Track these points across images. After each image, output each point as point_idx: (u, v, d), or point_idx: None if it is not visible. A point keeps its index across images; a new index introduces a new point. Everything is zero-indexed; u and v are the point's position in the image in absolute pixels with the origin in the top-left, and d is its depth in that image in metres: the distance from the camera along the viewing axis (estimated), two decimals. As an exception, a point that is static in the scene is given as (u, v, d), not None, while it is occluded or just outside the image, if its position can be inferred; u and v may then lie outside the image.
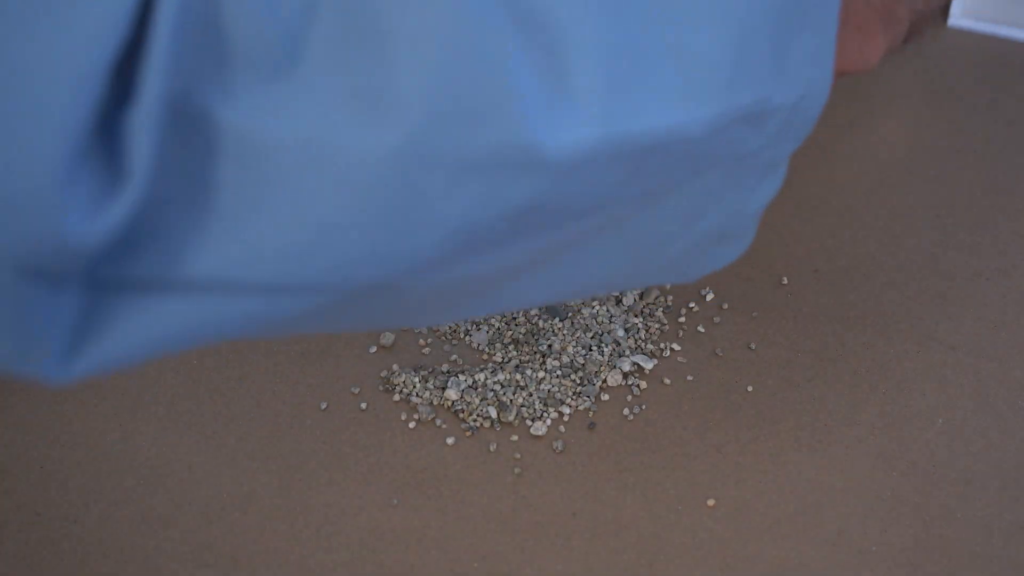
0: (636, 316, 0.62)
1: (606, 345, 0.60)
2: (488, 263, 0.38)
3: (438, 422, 0.58)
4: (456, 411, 0.58)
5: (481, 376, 0.59)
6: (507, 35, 0.34)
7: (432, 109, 0.33)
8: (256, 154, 0.32)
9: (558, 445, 0.57)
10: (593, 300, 0.62)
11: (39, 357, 0.32)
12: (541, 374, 0.59)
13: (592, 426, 0.58)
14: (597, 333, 0.60)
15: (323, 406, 0.59)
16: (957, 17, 0.79)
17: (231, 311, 0.35)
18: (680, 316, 0.62)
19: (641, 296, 0.63)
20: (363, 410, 0.59)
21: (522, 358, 0.60)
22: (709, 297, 0.63)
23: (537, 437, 0.57)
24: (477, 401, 0.58)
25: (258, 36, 0.32)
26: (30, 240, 0.30)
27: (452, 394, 0.58)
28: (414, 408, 0.58)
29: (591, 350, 0.60)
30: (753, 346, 0.61)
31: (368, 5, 0.32)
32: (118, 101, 0.30)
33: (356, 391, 0.59)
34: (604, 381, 0.59)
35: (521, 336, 0.61)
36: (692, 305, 0.63)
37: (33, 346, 0.32)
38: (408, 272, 0.36)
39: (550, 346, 0.60)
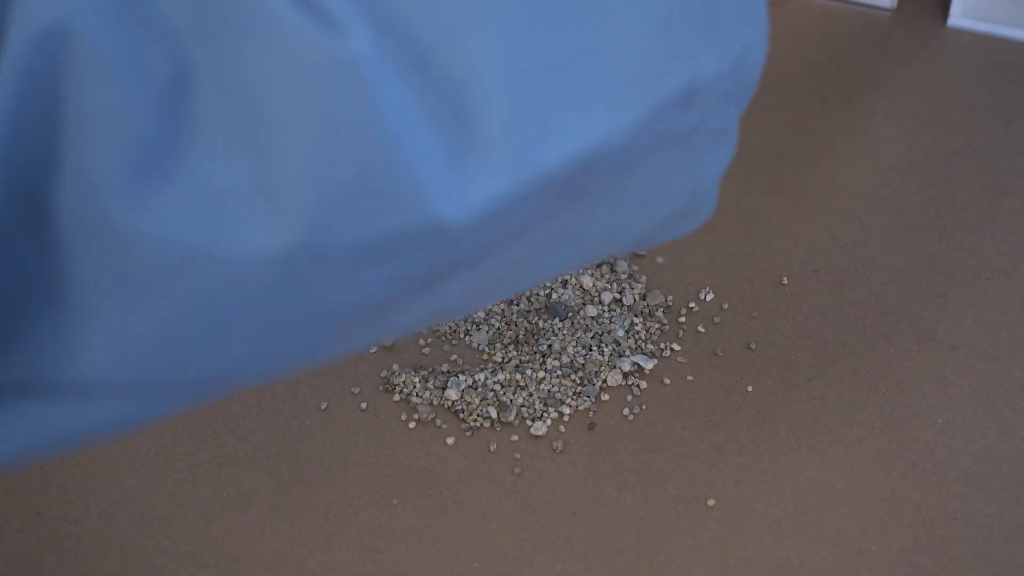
0: (636, 316, 0.62)
1: (606, 345, 0.60)
2: (393, 322, 0.35)
3: (438, 422, 0.58)
4: (456, 411, 0.58)
5: (481, 376, 0.59)
6: (398, 94, 0.31)
7: (323, 202, 0.30)
8: (129, 254, 0.29)
9: (558, 445, 0.57)
10: (593, 300, 0.62)
11: None
12: (541, 374, 0.59)
13: (592, 426, 0.58)
14: (597, 333, 0.60)
15: (323, 406, 0.59)
16: (957, 17, 0.79)
17: (105, 413, 0.32)
18: (680, 316, 0.62)
19: (642, 297, 0.63)
20: (363, 410, 0.59)
21: (522, 358, 0.60)
22: (709, 297, 0.63)
23: (537, 437, 0.57)
24: (477, 401, 0.58)
25: (126, 127, 0.29)
26: None
27: (452, 394, 0.58)
28: (414, 408, 0.58)
29: (591, 350, 0.60)
30: (753, 346, 0.61)
31: (244, 83, 0.30)
32: None
33: (356, 391, 0.59)
34: (604, 381, 0.59)
35: (521, 336, 0.61)
36: (692, 305, 0.63)
37: None
38: (297, 359, 0.34)
39: (550, 346, 0.60)
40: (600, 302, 0.62)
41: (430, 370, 0.60)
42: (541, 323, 0.61)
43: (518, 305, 0.61)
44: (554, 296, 0.61)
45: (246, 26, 0.30)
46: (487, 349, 0.61)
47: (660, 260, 0.65)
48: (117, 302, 0.30)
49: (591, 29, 0.34)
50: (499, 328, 0.61)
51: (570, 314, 0.61)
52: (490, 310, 0.62)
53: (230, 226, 0.30)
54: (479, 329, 0.61)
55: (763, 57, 0.39)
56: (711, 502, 0.55)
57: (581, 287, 0.62)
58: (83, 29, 0.28)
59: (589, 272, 0.62)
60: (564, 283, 0.62)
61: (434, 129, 0.32)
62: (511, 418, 0.58)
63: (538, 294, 0.61)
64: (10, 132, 0.28)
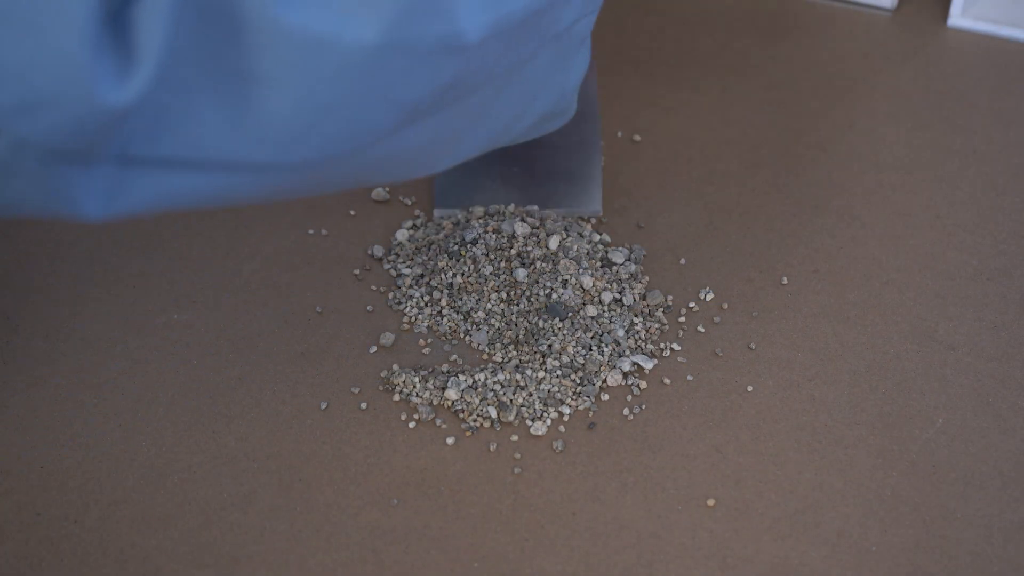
0: (636, 316, 0.62)
1: (606, 345, 0.60)
2: (419, 133, 0.46)
3: (438, 422, 0.58)
4: (456, 411, 0.58)
5: (481, 376, 0.59)
6: None
7: (400, 6, 0.41)
8: (274, 43, 0.39)
9: (558, 445, 0.57)
10: (593, 300, 0.62)
11: (73, 211, 0.41)
12: (541, 374, 0.59)
13: (592, 426, 0.58)
14: (597, 333, 0.60)
15: (323, 406, 0.59)
16: (957, 17, 0.79)
17: (224, 184, 0.42)
18: (680, 316, 0.62)
19: (642, 297, 0.63)
20: (363, 410, 0.59)
21: (522, 358, 0.60)
22: (709, 297, 0.63)
23: (537, 437, 0.57)
24: (477, 401, 0.58)
25: None
26: (65, 122, 0.36)
27: (452, 394, 0.58)
28: (414, 408, 0.58)
29: (591, 350, 0.60)
30: (753, 346, 0.61)
31: None
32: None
33: (356, 391, 0.59)
34: (604, 381, 0.59)
35: (521, 336, 0.61)
36: (692, 305, 0.63)
37: (70, 206, 0.40)
38: (367, 144, 0.44)
39: (550, 346, 0.60)
40: (600, 302, 0.62)
41: (430, 370, 0.60)
42: (541, 323, 0.61)
43: (518, 305, 0.61)
44: (554, 296, 0.61)
45: None
46: (487, 349, 0.61)
47: (661, 260, 0.65)
48: (261, 86, 0.39)
49: None
50: (499, 328, 0.61)
51: (570, 314, 0.61)
52: (490, 310, 0.62)
53: (345, 21, 0.40)
54: (479, 329, 0.61)
55: None
56: (711, 502, 0.55)
57: (581, 287, 0.62)
58: None
59: (589, 272, 0.62)
60: (564, 283, 0.62)
61: None
62: (511, 418, 0.58)
63: (538, 294, 0.61)
64: None
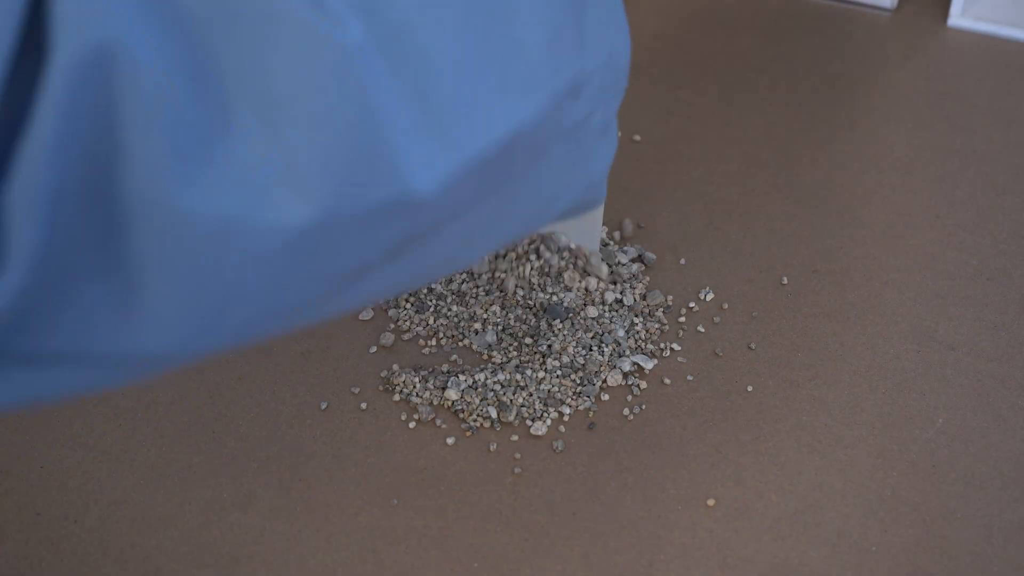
0: (636, 316, 0.62)
1: (606, 345, 0.60)
2: (368, 287, 0.41)
3: (438, 422, 0.58)
4: (456, 411, 0.58)
5: (481, 376, 0.59)
6: (382, 78, 0.36)
7: (333, 179, 0.35)
8: (167, 228, 0.33)
9: (558, 445, 0.57)
10: (594, 301, 0.62)
11: None
12: (541, 374, 0.59)
13: (592, 426, 0.58)
14: (597, 333, 0.60)
15: (323, 406, 0.59)
16: (957, 17, 0.79)
17: (116, 376, 0.37)
18: (680, 316, 0.63)
19: (643, 297, 0.63)
20: (363, 410, 0.59)
21: (522, 358, 0.60)
22: (709, 297, 0.63)
23: (537, 437, 0.57)
24: (477, 401, 0.58)
25: (171, 118, 0.33)
26: None
27: (452, 394, 0.58)
28: (414, 408, 0.58)
29: (591, 350, 0.60)
30: (753, 346, 0.61)
31: (262, 71, 0.34)
32: None
33: (356, 391, 0.59)
34: (604, 381, 0.59)
35: (521, 336, 0.61)
36: (692, 305, 0.63)
37: None
38: (294, 316, 0.39)
39: (550, 346, 0.60)
40: (601, 302, 0.62)
41: (430, 370, 0.60)
42: (541, 323, 0.61)
43: (514, 311, 0.61)
44: (555, 298, 0.61)
45: (262, 19, 0.34)
46: (487, 349, 0.61)
47: (661, 260, 0.65)
48: (161, 275, 0.34)
49: (503, 30, 0.40)
50: (498, 336, 0.61)
51: (570, 315, 0.61)
52: (490, 310, 0.62)
53: (261, 202, 0.34)
54: (478, 334, 0.61)
55: (628, 55, 0.48)
56: (711, 502, 0.55)
57: (585, 289, 0.62)
58: (124, 40, 0.32)
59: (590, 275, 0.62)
60: (566, 287, 0.62)
61: (406, 108, 0.37)
62: (511, 418, 0.58)
63: (538, 295, 0.61)
64: (73, 134, 0.31)
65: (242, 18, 0.34)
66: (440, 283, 0.63)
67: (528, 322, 0.61)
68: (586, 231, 0.62)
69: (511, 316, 0.61)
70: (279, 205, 0.34)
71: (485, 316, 0.62)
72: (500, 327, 0.61)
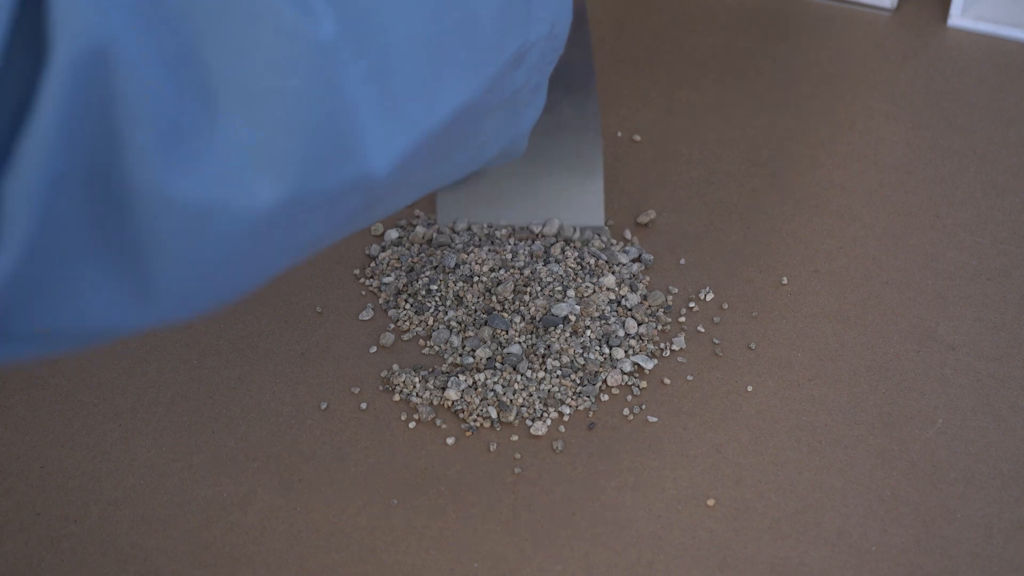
0: (636, 316, 0.62)
1: (606, 345, 0.60)
2: (324, 243, 0.44)
3: (438, 422, 0.58)
4: (456, 411, 0.58)
5: (481, 376, 0.59)
6: (349, 65, 0.39)
7: (303, 162, 0.38)
8: (160, 212, 0.36)
9: (558, 445, 0.57)
10: (597, 301, 0.62)
11: None
12: (541, 374, 0.59)
13: (592, 426, 0.58)
14: (597, 333, 0.60)
15: (323, 406, 0.59)
16: (957, 17, 0.79)
17: (102, 340, 0.41)
18: (680, 316, 0.62)
19: (643, 297, 0.63)
20: (363, 410, 0.59)
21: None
22: (709, 297, 0.63)
23: (537, 437, 0.57)
24: (477, 401, 0.58)
25: (161, 109, 0.35)
26: None
27: (452, 394, 0.58)
28: (414, 408, 0.58)
29: (591, 350, 0.60)
30: (753, 346, 0.61)
31: (244, 62, 0.36)
32: None
33: (356, 391, 0.59)
34: (604, 381, 0.59)
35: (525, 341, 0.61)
36: (692, 305, 0.63)
37: None
38: (267, 279, 0.42)
39: (550, 346, 0.60)
40: (602, 302, 0.62)
41: (430, 370, 0.60)
42: (538, 328, 0.60)
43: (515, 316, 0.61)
44: (554, 310, 0.61)
45: (245, 18, 0.36)
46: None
47: (661, 260, 0.65)
48: (159, 255, 0.37)
49: (455, 9, 0.42)
50: (494, 349, 0.61)
51: (568, 324, 0.61)
52: (478, 334, 0.62)
53: (240, 185, 0.37)
54: (484, 344, 0.61)
55: (569, 20, 0.51)
56: (711, 502, 0.55)
57: (599, 287, 0.62)
58: (119, 39, 0.34)
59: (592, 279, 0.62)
60: (563, 292, 0.62)
61: (368, 92, 0.39)
62: (511, 418, 0.58)
63: (536, 303, 0.61)
64: (72, 128, 0.34)
65: (227, 17, 0.36)
66: (440, 285, 0.63)
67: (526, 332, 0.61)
68: (588, 209, 0.64)
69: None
70: (253, 188, 0.37)
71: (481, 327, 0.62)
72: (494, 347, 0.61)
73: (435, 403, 0.58)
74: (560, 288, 0.61)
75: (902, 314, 0.62)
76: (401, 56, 0.40)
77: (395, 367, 0.60)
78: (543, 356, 0.60)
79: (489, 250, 0.64)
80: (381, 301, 0.63)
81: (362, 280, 0.64)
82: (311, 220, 0.40)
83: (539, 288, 0.62)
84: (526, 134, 0.54)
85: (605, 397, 0.59)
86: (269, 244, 0.39)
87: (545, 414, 0.58)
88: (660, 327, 0.62)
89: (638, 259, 0.65)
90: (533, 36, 0.47)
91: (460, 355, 0.60)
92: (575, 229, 0.65)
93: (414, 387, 0.59)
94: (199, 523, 0.54)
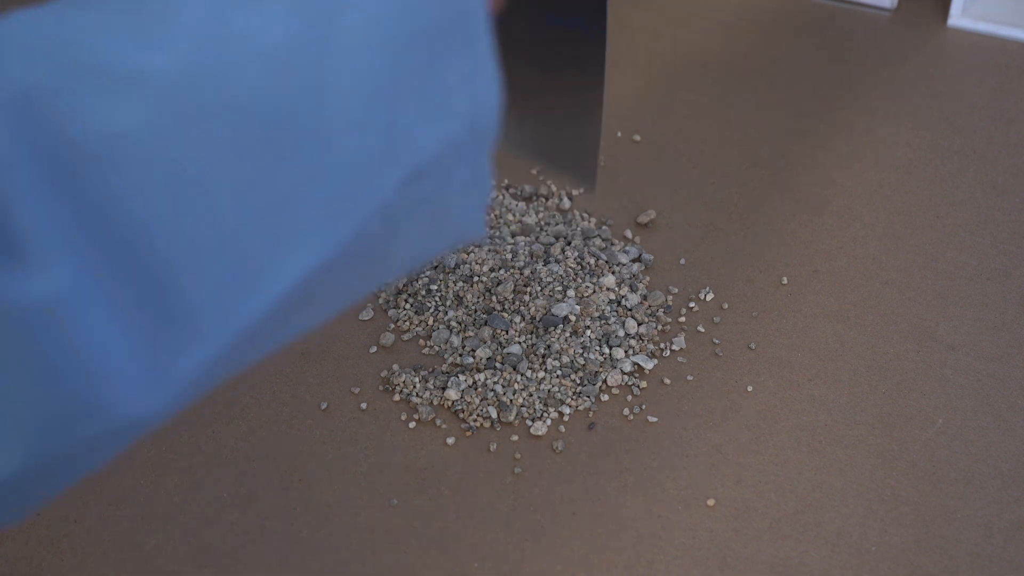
0: (636, 316, 0.62)
1: (606, 345, 0.60)
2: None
3: (438, 422, 0.58)
4: (456, 411, 0.58)
5: (481, 376, 0.59)
6: (97, 309, 0.34)
7: (37, 428, 0.34)
8: None
9: (558, 445, 0.57)
10: (597, 301, 0.62)
11: None
12: (541, 374, 0.59)
13: (592, 426, 0.58)
14: (597, 333, 0.60)
15: (323, 406, 0.59)
16: (957, 17, 0.79)
17: None
18: (680, 316, 0.62)
19: (643, 297, 0.63)
20: (363, 410, 0.59)
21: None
22: (709, 297, 0.63)
23: (537, 437, 0.57)
24: (477, 401, 0.58)
25: None
26: None
27: (452, 394, 0.58)
28: (414, 408, 0.58)
29: (591, 350, 0.60)
30: (753, 346, 0.61)
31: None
32: None
33: (356, 391, 0.59)
34: (604, 381, 0.59)
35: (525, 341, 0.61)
36: (692, 305, 0.63)
37: None
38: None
39: (550, 346, 0.60)
40: (602, 302, 0.62)
41: (430, 370, 0.60)
42: (539, 332, 0.60)
43: (516, 316, 0.61)
44: (554, 310, 0.61)
45: None
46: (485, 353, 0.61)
47: (661, 260, 0.65)
48: None
49: (302, 162, 0.34)
50: (493, 350, 0.61)
51: (571, 323, 0.61)
52: (478, 334, 0.62)
53: None
54: (484, 344, 0.61)
55: (497, 108, 0.39)
56: (711, 502, 0.55)
57: (599, 287, 0.62)
58: None
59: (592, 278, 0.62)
60: (563, 292, 0.62)
61: (132, 323, 0.34)
62: (511, 418, 0.58)
63: (536, 303, 0.61)
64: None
65: None
66: (440, 285, 0.63)
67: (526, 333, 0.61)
68: (580, 174, 0.60)
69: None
70: None
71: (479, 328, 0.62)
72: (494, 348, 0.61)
73: (435, 403, 0.58)
74: (560, 288, 0.62)
75: (902, 314, 0.62)
76: (193, 259, 0.34)
77: (395, 367, 0.60)
78: (543, 356, 0.60)
79: (489, 250, 0.64)
80: (381, 301, 0.63)
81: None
82: (63, 473, 0.37)
83: (539, 288, 0.62)
84: (477, 222, 0.43)
85: (605, 397, 0.59)
86: (22, 499, 0.36)
87: (545, 414, 0.58)
88: (660, 327, 0.62)
89: (638, 259, 0.65)
90: (434, 146, 0.38)
91: (460, 355, 0.60)
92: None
93: (414, 387, 0.59)
94: (199, 523, 0.54)
